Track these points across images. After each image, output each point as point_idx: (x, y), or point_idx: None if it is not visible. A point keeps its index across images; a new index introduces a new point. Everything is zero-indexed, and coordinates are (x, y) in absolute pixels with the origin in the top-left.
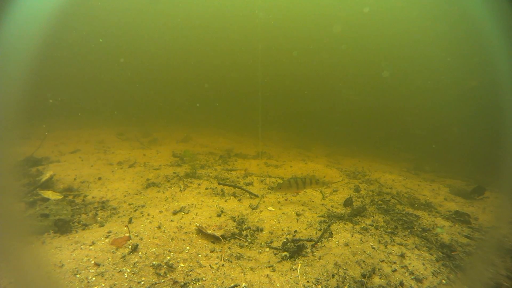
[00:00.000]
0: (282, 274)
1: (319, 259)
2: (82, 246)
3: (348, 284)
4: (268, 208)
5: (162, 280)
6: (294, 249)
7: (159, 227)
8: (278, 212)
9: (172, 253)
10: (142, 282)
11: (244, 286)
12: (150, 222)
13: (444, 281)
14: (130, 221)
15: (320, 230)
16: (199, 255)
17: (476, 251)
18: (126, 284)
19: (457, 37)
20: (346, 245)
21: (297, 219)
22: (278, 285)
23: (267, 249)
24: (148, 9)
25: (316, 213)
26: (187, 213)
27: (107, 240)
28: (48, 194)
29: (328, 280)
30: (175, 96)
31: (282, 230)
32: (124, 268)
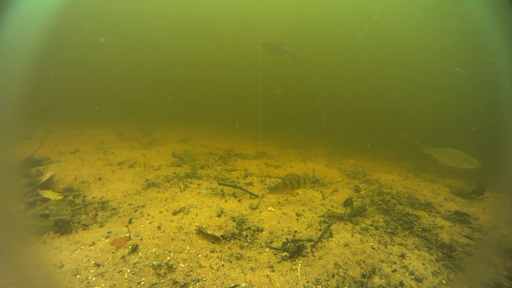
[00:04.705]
0: (282, 274)
1: (319, 259)
2: (82, 247)
3: (348, 284)
4: (268, 208)
5: (162, 280)
6: (294, 249)
7: (159, 227)
8: (278, 212)
9: (172, 253)
10: (142, 282)
11: (244, 286)
12: (150, 223)
13: (444, 281)
14: (130, 222)
15: (320, 230)
16: (199, 255)
17: (476, 251)
18: (126, 285)
19: (459, 37)
20: (346, 245)
21: (297, 219)
22: (278, 285)
23: (267, 249)
24: (148, 9)
25: (316, 213)
26: (187, 213)
27: (107, 240)
28: (48, 194)
29: (328, 280)
30: (174, 96)
31: (282, 230)
32: (124, 268)
